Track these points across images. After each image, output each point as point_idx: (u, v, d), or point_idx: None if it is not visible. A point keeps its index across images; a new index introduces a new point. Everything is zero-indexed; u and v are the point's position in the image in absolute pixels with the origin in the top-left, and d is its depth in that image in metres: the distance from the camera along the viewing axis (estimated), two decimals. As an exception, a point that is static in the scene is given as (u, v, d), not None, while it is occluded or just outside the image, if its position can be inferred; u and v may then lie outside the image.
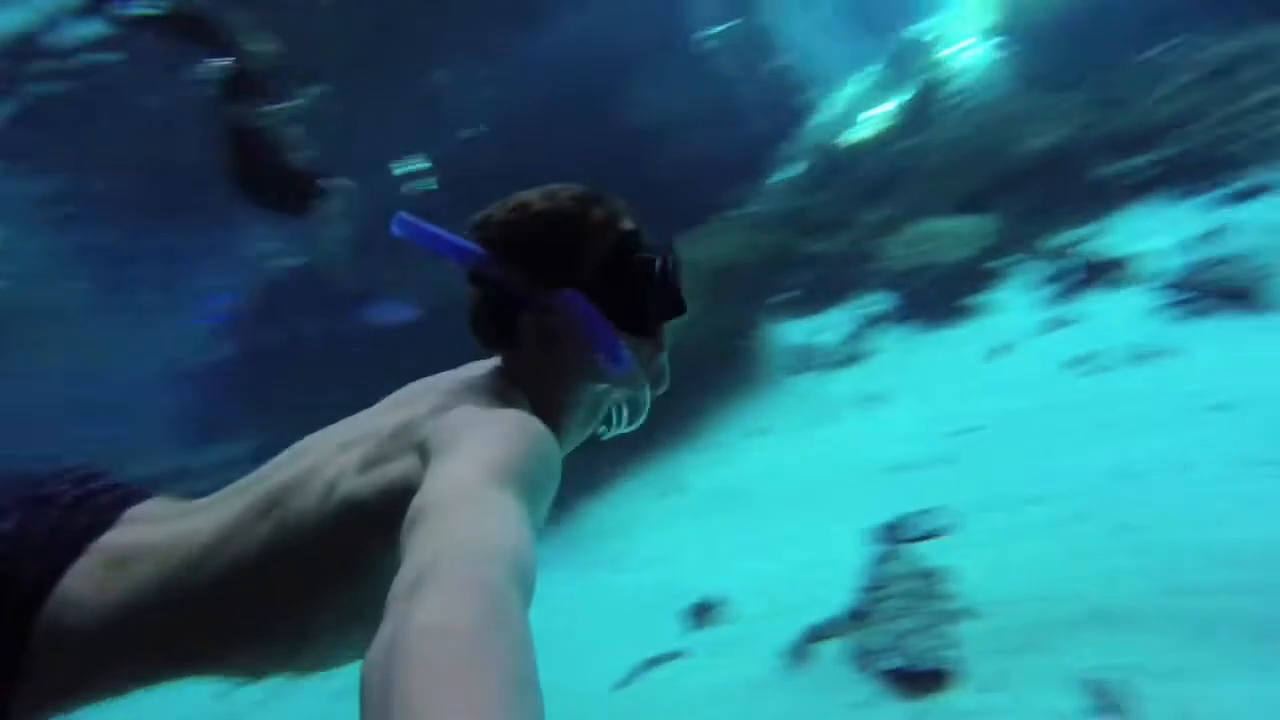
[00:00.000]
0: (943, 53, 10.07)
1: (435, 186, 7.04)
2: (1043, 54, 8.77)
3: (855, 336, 5.97)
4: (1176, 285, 4.29)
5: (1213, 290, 4.07)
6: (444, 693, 0.45)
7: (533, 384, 1.00)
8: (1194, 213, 5.01)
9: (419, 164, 7.28)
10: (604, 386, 1.04)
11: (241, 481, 0.97)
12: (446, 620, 0.50)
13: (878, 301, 6.29)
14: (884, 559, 2.99)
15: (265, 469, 0.97)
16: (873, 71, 10.48)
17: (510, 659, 0.49)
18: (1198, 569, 2.37)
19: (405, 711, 0.44)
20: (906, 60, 10.20)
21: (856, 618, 2.77)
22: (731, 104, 8.55)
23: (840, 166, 8.66)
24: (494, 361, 1.04)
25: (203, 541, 0.88)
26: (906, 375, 5.07)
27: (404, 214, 0.98)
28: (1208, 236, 4.59)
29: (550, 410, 0.99)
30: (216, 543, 0.87)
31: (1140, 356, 3.85)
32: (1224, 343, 3.77)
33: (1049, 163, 6.43)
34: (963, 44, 10.00)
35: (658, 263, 1.01)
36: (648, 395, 1.05)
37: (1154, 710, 1.95)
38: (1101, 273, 4.82)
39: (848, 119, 10.44)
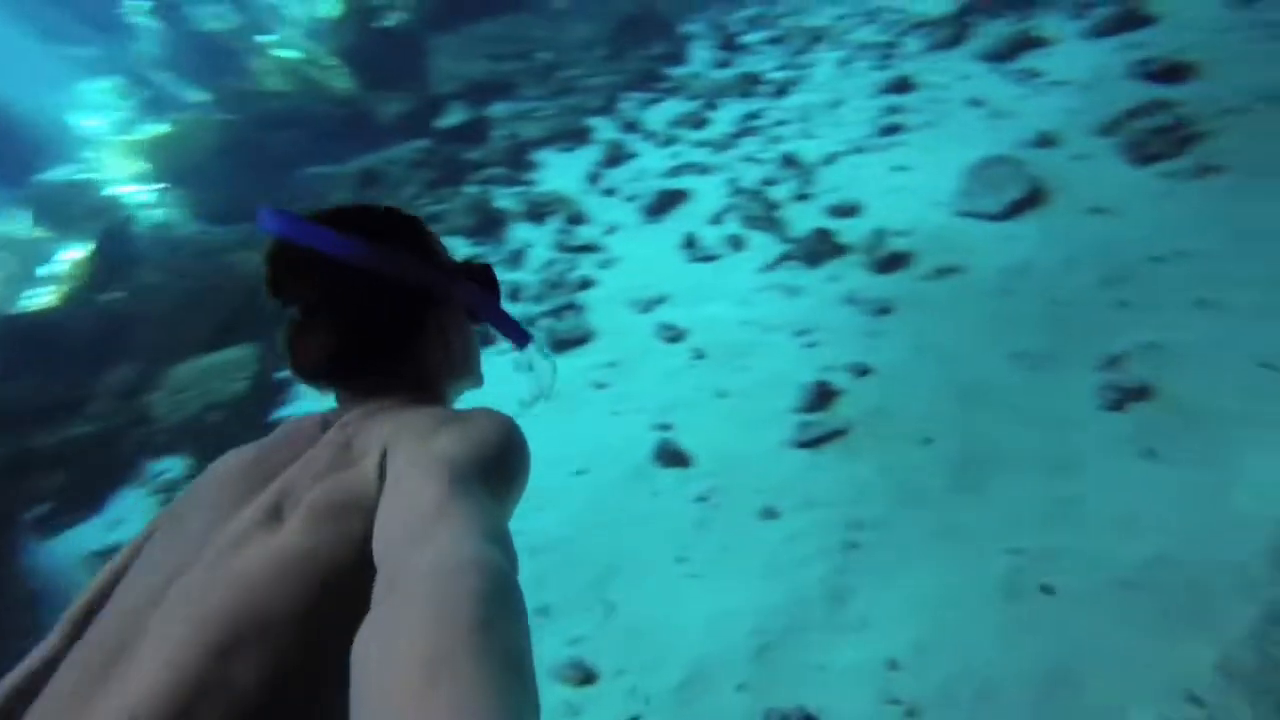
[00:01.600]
0: (109, 195, 9.30)
1: None
2: (201, 192, 9.06)
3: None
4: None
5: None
6: (441, 676, 0.43)
7: (433, 383, 0.97)
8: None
9: None
10: (464, 377, 1.04)
11: (88, 654, 0.67)
12: (444, 602, 0.49)
13: (168, 467, 5.50)
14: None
15: (128, 618, 0.69)
16: (22, 224, 8.87)
17: (508, 639, 0.48)
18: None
19: (401, 698, 0.43)
20: (63, 208, 9.03)
21: None
22: None
23: (36, 338, 7.09)
24: (364, 385, 0.91)
25: None
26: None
27: (271, 210, 0.88)
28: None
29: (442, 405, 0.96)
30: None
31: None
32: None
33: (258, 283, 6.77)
34: (126, 188, 9.44)
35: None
36: (550, 364, 1.10)
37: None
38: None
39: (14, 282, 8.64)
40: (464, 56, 9.42)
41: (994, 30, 6.30)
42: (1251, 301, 3.06)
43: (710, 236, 5.48)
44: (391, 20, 9.80)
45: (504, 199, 7.12)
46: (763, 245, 5.16)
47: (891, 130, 5.70)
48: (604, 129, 7.81)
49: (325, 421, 0.88)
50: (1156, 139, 4.06)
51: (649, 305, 4.98)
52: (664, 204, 6.12)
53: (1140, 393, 2.87)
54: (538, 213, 6.72)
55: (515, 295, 5.76)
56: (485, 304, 1.01)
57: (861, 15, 8.08)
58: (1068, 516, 2.64)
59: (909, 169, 5.07)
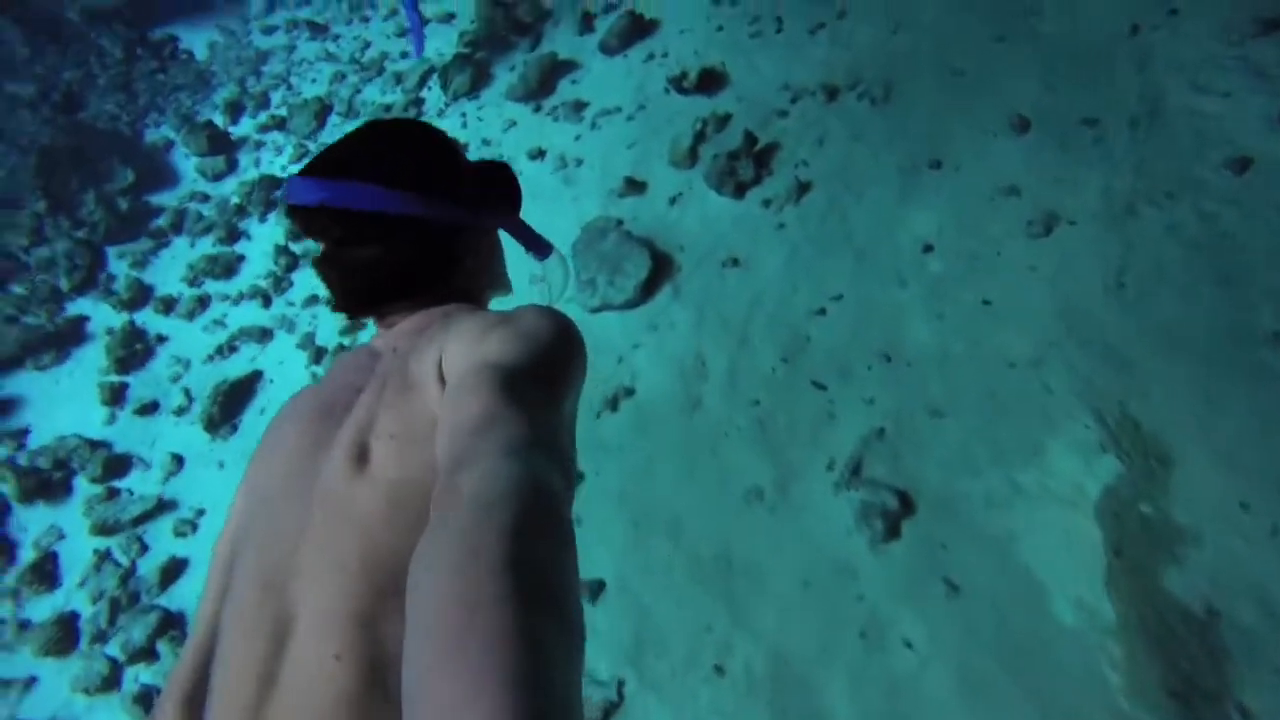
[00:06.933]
0: None
1: None
2: None
3: None
4: None
5: None
6: (474, 619, 0.43)
7: (468, 295, 1.00)
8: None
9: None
10: (494, 287, 1.08)
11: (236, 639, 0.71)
12: (479, 537, 0.48)
13: None
14: None
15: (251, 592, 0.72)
16: None
17: (545, 573, 0.47)
18: None
19: (437, 640, 0.43)
20: None
21: None
22: None
23: None
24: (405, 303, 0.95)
25: None
26: None
27: (299, 177, 0.89)
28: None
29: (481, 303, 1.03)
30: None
31: None
32: None
33: None
34: None
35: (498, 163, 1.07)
36: (565, 272, 1.16)
37: None
38: None
39: None
40: None
41: (515, 61, 5.70)
42: (918, 342, 2.87)
43: (315, 435, 4.11)
44: None
45: (-18, 479, 4.74)
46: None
47: (465, 213, 4.81)
48: (99, 314, 5.66)
49: (374, 351, 0.92)
50: (737, 163, 3.78)
51: (277, 581, 3.53)
52: (232, 404, 4.52)
53: (904, 506, 2.48)
54: (50, 480, 4.57)
55: (71, 634, 3.79)
56: (508, 224, 1.04)
57: (358, 71, 6.94)
58: (912, 709, 2.15)
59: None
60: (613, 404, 3.28)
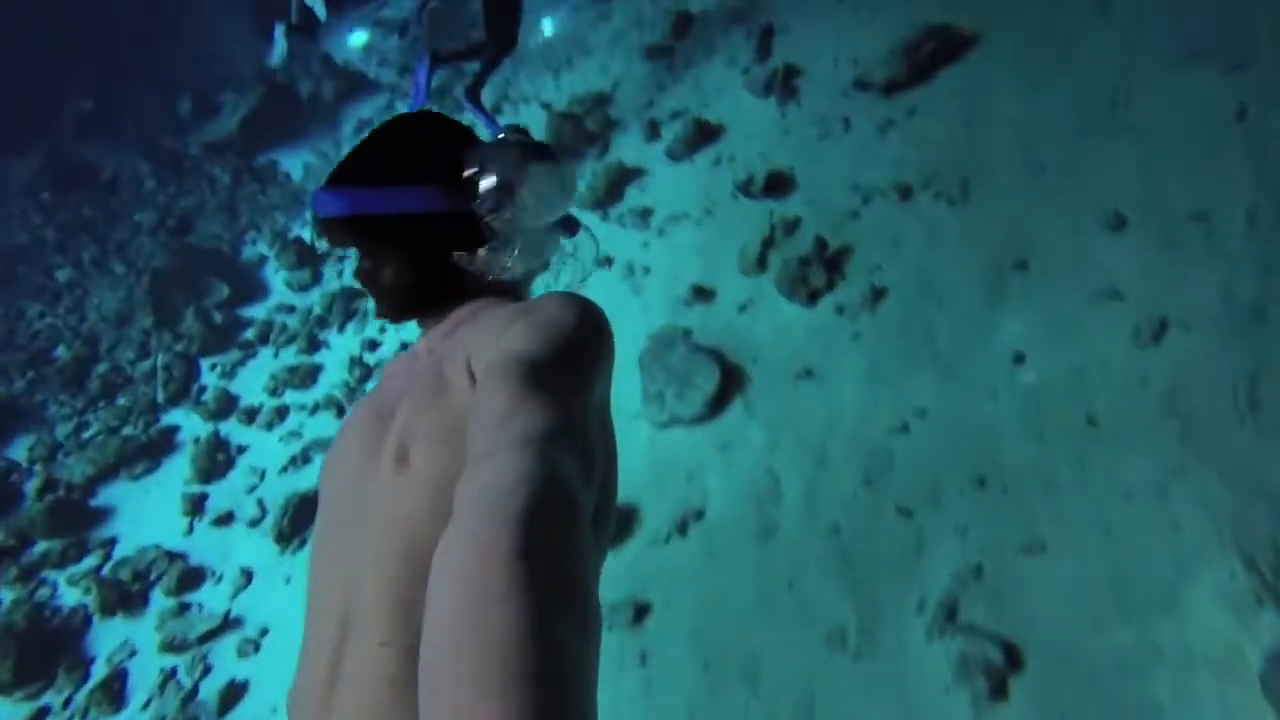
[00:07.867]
0: None
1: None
2: None
3: None
4: None
5: None
6: (482, 611, 0.42)
7: (502, 283, 1.00)
8: None
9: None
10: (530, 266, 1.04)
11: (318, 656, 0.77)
12: (490, 530, 0.47)
13: None
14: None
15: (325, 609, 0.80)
16: None
17: (553, 564, 0.46)
18: None
19: (448, 632, 0.42)
20: None
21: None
22: None
23: None
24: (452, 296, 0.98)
25: None
26: None
27: (327, 189, 0.92)
28: None
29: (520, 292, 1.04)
30: None
31: None
32: None
33: None
34: None
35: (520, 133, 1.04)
36: (594, 244, 1.13)
37: None
38: None
39: None
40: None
41: (584, 170, 5.84)
42: (1016, 464, 2.58)
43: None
44: None
45: (69, 591, 4.87)
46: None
47: (533, 322, 4.84)
48: (189, 424, 5.90)
49: (415, 354, 0.95)
50: (809, 269, 3.66)
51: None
52: (301, 518, 4.53)
53: (1009, 661, 2.16)
54: (129, 593, 4.64)
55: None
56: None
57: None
58: None
59: (574, 369, 4.21)
60: (681, 528, 3.08)
